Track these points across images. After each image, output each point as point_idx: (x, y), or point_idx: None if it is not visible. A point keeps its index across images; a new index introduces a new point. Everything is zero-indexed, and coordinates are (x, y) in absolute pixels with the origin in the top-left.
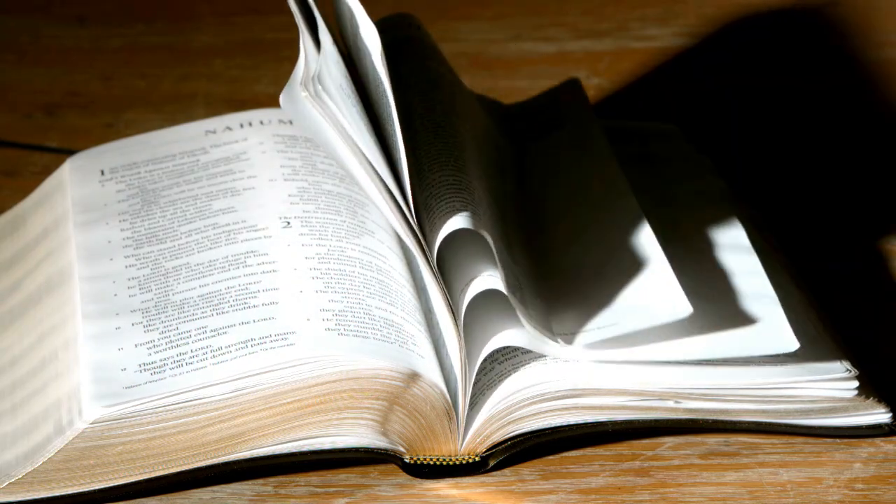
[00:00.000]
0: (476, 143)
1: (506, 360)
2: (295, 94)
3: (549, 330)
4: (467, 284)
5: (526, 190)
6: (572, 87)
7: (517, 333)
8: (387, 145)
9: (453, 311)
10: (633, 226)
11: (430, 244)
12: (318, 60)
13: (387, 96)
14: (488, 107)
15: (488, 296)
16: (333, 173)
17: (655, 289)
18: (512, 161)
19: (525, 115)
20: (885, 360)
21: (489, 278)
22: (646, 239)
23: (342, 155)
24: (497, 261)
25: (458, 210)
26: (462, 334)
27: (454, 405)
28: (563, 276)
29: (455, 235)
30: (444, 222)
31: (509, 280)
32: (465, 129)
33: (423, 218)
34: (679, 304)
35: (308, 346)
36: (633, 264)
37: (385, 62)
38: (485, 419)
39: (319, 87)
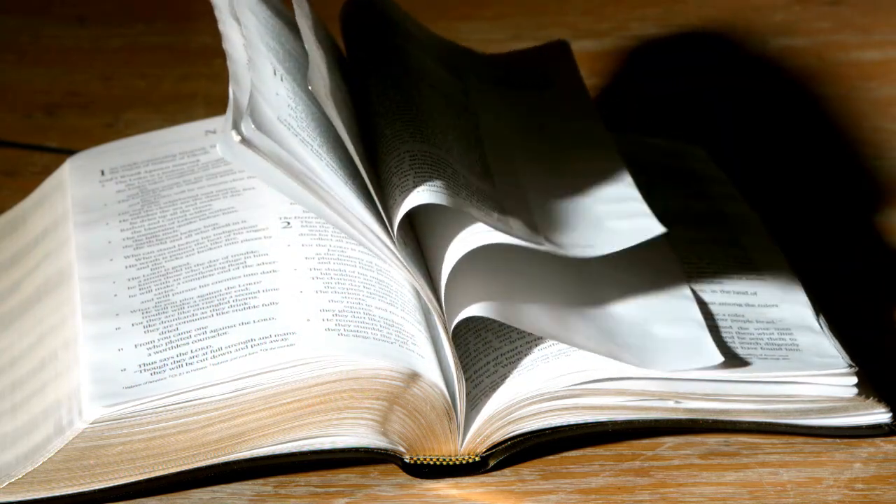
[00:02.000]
0: (441, 105)
1: (509, 364)
2: (229, 141)
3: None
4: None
5: (500, 138)
6: (561, 50)
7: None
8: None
9: (440, 308)
10: (611, 170)
11: (392, 222)
12: (249, 97)
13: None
14: (463, 56)
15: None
16: None
17: (629, 214)
18: (481, 104)
19: (507, 66)
20: (885, 360)
21: (467, 239)
22: (621, 176)
23: (299, 194)
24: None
25: (421, 185)
26: (447, 320)
27: (454, 405)
28: (538, 207)
29: (427, 215)
30: (404, 199)
31: (486, 205)
32: (429, 98)
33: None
34: (652, 225)
35: (308, 346)
36: (607, 194)
37: (324, 83)
38: (485, 419)
39: (252, 127)
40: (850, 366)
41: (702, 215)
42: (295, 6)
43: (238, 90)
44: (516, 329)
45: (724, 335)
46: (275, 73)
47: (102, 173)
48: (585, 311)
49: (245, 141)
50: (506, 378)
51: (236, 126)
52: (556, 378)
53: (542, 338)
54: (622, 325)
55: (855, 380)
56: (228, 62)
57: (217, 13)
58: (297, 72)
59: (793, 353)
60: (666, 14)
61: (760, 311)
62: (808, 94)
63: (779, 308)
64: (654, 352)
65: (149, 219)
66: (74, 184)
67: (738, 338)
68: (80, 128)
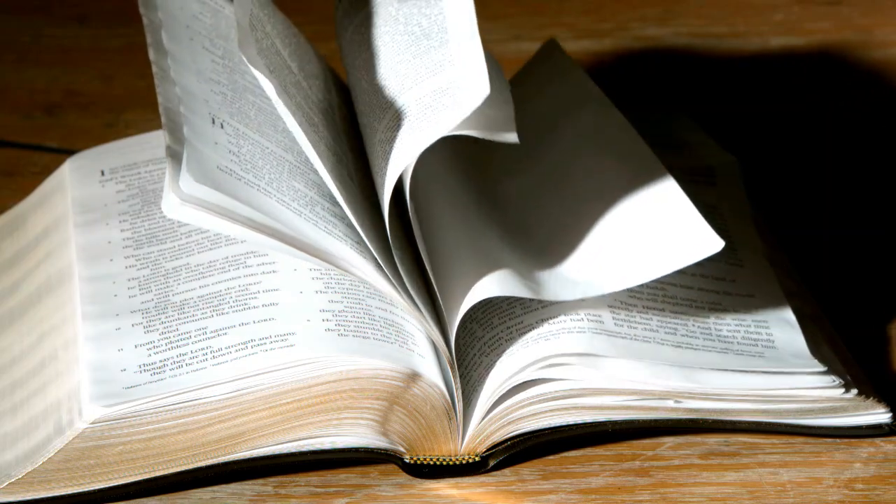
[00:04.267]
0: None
1: (491, 352)
2: (170, 202)
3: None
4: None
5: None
6: (551, 50)
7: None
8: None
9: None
10: (646, 170)
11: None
12: (184, 155)
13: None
14: None
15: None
16: None
17: (680, 227)
18: None
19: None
20: (885, 360)
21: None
22: (662, 179)
23: (250, 237)
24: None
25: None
26: (432, 320)
27: (454, 405)
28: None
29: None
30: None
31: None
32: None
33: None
34: (710, 240)
35: (308, 346)
36: (647, 203)
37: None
38: (485, 419)
39: (190, 182)
40: (834, 380)
41: (684, 173)
42: (240, 36)
43: (176, 146)
44: (497, 314)
45: (700, 326)
46: (213, 122)
47: (102, 173)
48: (566, 246)
49: (185, 199)
50: (490, 368)
51: (174, 186)
52: (533, 363)
53: (521, 320)
54: (605, 243)
55: (841, 391)
56: (163, 118)
57: (155, 69)
58: (252, 107)
59: (769, 351)
60: (666, 14)
61: (738, 301)
62: (807, 94)
63: (755, 298)
64: (645, 259)
65: (149, 219)
66: (74, 184)
67: (715, 329)
68: (80, 128)
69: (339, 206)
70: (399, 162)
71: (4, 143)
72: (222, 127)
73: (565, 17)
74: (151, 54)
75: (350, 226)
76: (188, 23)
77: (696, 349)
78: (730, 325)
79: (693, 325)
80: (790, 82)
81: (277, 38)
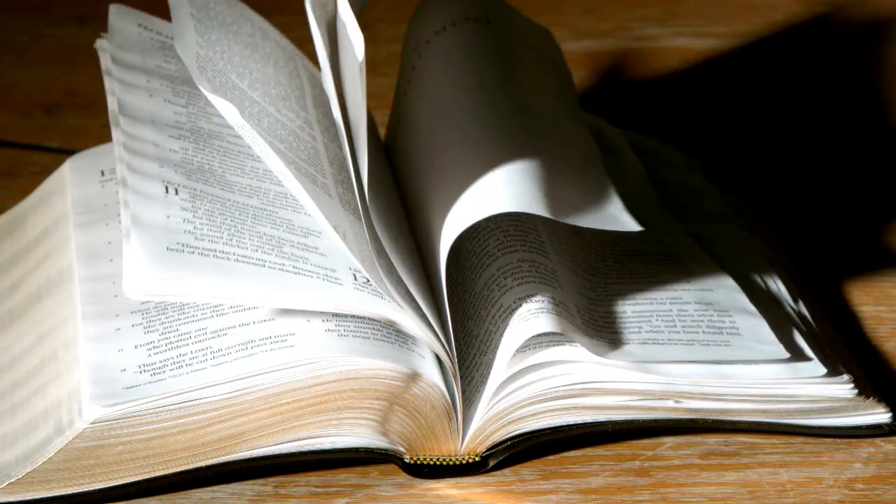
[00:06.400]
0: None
1: (488, 350)
2: (129, 288)
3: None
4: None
5: None
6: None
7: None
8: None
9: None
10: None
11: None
12: (133, 231)
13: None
14: None
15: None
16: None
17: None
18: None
19: None
20: (885, 361)
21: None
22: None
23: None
24: None
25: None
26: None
27: (454, 405)
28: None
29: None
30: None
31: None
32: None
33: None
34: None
35: (308, 347)
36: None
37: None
38: (485, 419)
39: (140, 273)
40: (841, 374)
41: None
42: (198, 84)
43: (129, 225)
44: (484, 307)
45: (664, 319)
46: (167, 191)
47: (102, 173)
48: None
49: (139, 283)
50: (489, 367)
51: (129, 270)
52: (555, 377)
53: (501, 303)
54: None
55: (850, 385)
56: (120, 194)
57: (114, 136)
58: (217, 154)
59: (734, 338)
60: (666, 14)
61: (698, 294)
62: (808, 94)
63: (714, 292)
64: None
65: None
66: (74, 184)
67: (679, 320)
68: (80, 128)
69: (314, 234)
70: (360, 166)
71: (4, 143)
72: (177, 193)
73: (565, 18)
74: (111, 119)
75: (322, 255)
76: (149, 78)
77: (661, 344)
78: (692, 315)
79: (657, 321)
80: (790, 82)
81: (234, 72)
